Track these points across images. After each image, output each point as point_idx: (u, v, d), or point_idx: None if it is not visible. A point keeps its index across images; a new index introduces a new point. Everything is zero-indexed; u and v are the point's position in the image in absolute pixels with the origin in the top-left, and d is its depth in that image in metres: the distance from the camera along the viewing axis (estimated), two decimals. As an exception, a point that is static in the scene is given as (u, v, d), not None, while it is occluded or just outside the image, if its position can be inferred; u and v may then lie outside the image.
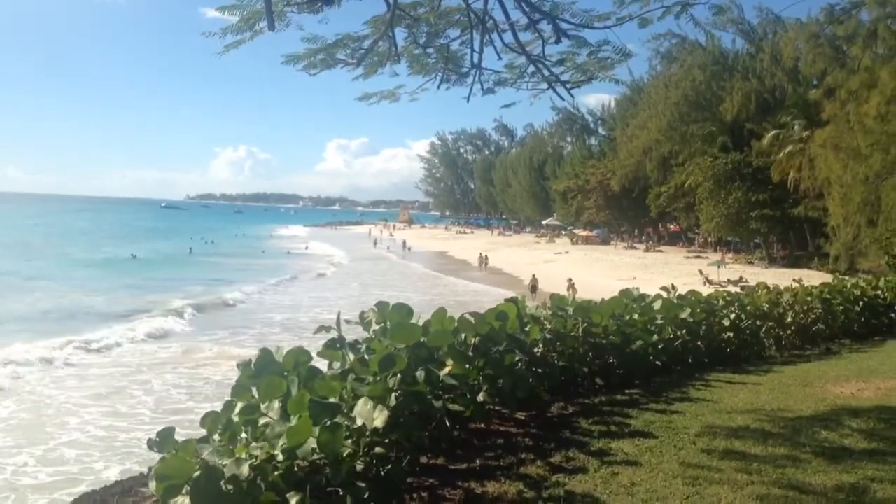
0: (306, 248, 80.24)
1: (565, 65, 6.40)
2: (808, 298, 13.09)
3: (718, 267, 45.13)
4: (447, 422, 5.48)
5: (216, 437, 4.32)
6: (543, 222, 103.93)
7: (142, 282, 43.26)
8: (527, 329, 7.02)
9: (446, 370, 5.44)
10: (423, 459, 5.23)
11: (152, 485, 3.88)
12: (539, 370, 7.07)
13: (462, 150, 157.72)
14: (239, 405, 4.55)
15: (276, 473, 3.90)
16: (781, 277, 29.70)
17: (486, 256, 60.86)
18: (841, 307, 13.62)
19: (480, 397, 5.85)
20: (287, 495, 3.86)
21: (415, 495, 4.73)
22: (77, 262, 54.74)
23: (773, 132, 50.24)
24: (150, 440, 4.36)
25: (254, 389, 4.61)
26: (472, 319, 6.23)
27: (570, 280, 37.48)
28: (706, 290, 13.25)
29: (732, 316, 11.00)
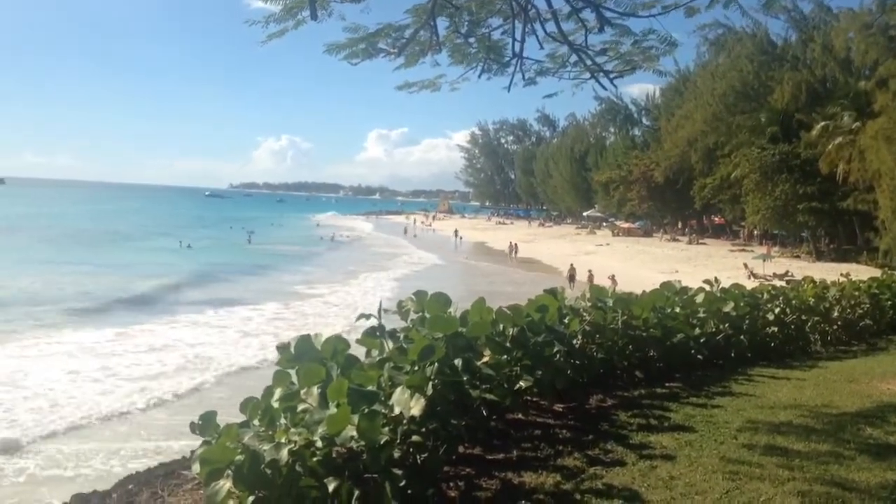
0: (346, 235, 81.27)
1: (608, 54, 6.32)
2: (856, 293, 12.79)
3: (764, 260, 44.11)
4: (484, 411, 5.49)
5: (256, 422, 4.39)
6: (584, 213, 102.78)
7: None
8: (566, 321, 6.99)
9: (484, 359, 5.44)
10: (461, 449, 5.24)
11: (195, 468, 3.97)
12: (578, 362, 7.05)
13: (503, 141, 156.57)
14: (278, 391, 4.62)
15: (314, 459, 3.95)
16: (829, 272, 29.02)
17: (515, 245, 62.51)
18: (889, 302, 13.30)
19: (518, 386, 5.84)
20: (325, 480, 3.91)
21: (451, 484, 4.75)
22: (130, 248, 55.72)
23: (823, 123, 48.95)
24: (192, 423, 4.45)
25: (293, 375, 4.67)
26: (509, 312, 6.23)
27: (590, 271, 37.02)
28: (751, 284, 13.04)
29: (777, 310, 10.83)
